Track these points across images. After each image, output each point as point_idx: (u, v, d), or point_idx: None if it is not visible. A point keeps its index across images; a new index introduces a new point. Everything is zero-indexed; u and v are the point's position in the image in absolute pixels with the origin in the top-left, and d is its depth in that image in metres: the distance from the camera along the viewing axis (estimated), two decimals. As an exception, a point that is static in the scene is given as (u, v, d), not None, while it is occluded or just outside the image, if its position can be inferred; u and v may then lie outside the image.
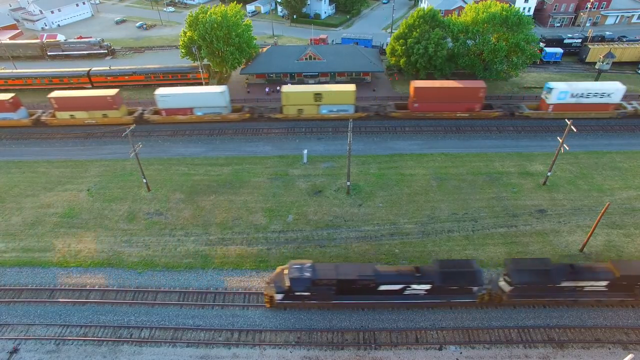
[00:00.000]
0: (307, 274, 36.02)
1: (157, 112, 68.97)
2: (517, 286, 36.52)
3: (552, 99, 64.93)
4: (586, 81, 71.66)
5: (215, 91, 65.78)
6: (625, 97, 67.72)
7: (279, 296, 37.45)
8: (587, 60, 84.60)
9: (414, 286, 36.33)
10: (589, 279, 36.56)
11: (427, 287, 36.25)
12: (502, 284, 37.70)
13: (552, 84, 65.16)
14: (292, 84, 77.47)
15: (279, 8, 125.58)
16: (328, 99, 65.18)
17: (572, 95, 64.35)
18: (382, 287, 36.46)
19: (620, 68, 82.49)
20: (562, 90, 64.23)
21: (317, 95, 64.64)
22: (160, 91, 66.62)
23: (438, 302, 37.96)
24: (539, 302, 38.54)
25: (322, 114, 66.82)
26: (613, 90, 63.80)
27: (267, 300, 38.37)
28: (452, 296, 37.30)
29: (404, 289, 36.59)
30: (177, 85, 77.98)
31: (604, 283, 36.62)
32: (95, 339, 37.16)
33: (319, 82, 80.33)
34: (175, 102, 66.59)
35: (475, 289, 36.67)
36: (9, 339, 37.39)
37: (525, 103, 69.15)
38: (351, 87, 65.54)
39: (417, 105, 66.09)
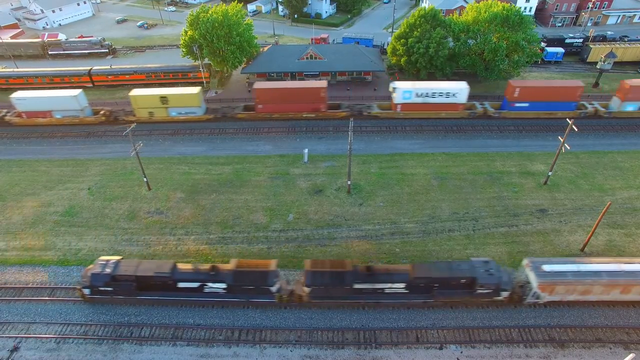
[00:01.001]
0: (108, 270, 37.70)
1: (19, 115, 69.62)
2: (312, 288, 37.05)
3: (398, 98, 64.99)
4: (433, 82, 70.20)
5: (69, 95, 67.12)
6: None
7: (86, 291, 38.67)
8: (588, 60, 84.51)
9: (210, 284, 37.45)
10: (384, 281, 36.99)
11: (223, 285, 37.27)
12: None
13: (396, 84, 65.20)
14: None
15: (280, 7, 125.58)
16: (174, 102, 66.74)
17: (417, 95, 64.43)
18: (181, 285, 37.62)
19: (621, 68, 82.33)
20: (405, 89, 64.35)
21: (163, 99, 66.32)
22: (17, 94, 67.79)
23: (237, 301, 38.80)
24: (339, 304, 38.72)
25: (172, 116, 68.38)
26: (457, 90, 63.94)
27: (80, 295, 39.29)
28: (250, 295, 38.25)
29: (202, 287, 37.66)
30: (178, 85, 78.17)
31: (402, 285, 36.91)
32: (95, 337, 37.16)
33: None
34: (33, 105, 67.89)
35: (273, 289, 37.22)
36: (10, 337, 37.41)
37: (377, 102, 69.12)
38: (195, 89, 67.14)
39: (261, 107, 66.91)
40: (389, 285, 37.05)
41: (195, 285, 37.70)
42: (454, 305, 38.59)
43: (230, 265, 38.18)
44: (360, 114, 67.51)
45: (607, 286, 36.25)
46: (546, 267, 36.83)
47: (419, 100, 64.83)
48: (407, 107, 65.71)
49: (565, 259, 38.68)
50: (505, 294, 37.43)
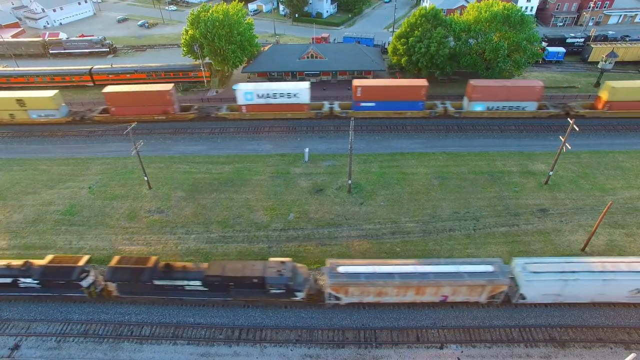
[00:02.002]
0: None
1: None
2: (117, 283, 37.72)
3: (240, 100, 65.43)
4: (277, 82, 71.06)
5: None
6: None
7: None
8: (589, 59, 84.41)
9: (23, 280, 38.21)
10: (181, 279, 37.43)
11: (36, 281, 38.01)
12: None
13: (238, 85, 65.62)
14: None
15: (281, 7, 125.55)
16: (31, 105, 67.19)
17: (259, 96, 64.82)
18: None
19: (623, 67, 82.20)
20: (247, 91, 64.83)
21: (20, 101, 66.76)
22: None
23: (50, 295, 39.34)
24: (145, 299, 39.37)
25: (32, 119, 68.62)
26: (298, 90, 64.27)
27: None
28: (62, 290, 38.77)
29: (16, 282, 38.50)
30: (179, 85, 78.41)
31: (199, 283, 37.19)
32: (96, 336, 37.18)
33: (321, 81, 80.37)
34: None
35: (83, 283, 38.00)
36: (10, 335, 37.45)
37: (227, 105, 69.38)
38: (52, 93, 67.10)
39: (114, 110, 67.55)
40: (186, 282, 37.52)
41: (8, 280, 38.36)
42: (250, 304, 38.94)
43: (43, 261, 38.92)
44: (208, 115, 68.84)
45: (400, 288, 36.20)
46: (341, 269, 36.73)
47: (262, 101, 65.38)
48: (251, 108, 66.39)
49: (366, 261, 38.45)
50: (301, 295, 37.51)
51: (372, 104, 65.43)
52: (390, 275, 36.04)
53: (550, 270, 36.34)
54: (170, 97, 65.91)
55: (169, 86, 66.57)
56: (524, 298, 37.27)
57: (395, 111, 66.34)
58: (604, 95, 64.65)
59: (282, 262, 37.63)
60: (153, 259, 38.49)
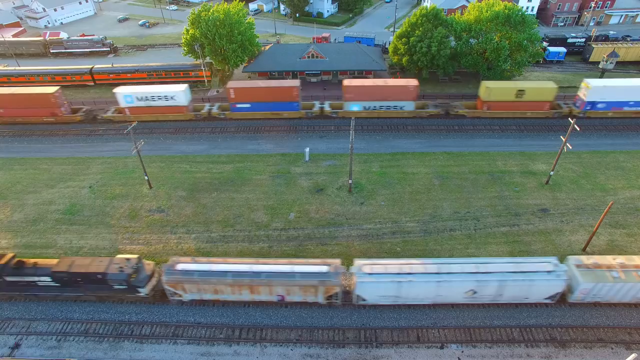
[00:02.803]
0: None
1: None
2: None
3: (122, 102, 66.03)
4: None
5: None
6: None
7: None
8: (590, 59, 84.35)
9: None
10: (32, 275, 37.92)
11: None
12: None
13: (118, 88, 65.98)
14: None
15: (282, 6, 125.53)
16: None
17: (138, 99, 65.27)
18: None
19: (624, 67, 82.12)
20: (126, 94, 65.40)
21: None
22: None
23: None
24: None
25: None
26: (174, 93, 65.00)
27: None
28: None
29: None
30: (179, 84, 78.32)
31: (49, 279, 37.49)
32: (96, 335, 37.18)
33: (322, 80, 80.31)
34: None
35: None
36: (11, 334, 37.47)
37: (115, 107, 69.20)
38: None
39: (2, 111, 68.11)
40: (37, 278, 37.83)
41: None
42: (101, 299, 39.38)
43: None
44: (95, 118, 69.58)
45: (234, 286, 36.67)
46: (179, 266, 37.24)
47: (142, 103, 65.94)
48: (134, 111, 66.78)
49: (206, 259, 38.74)
50: (144, 291, 37.87)
51: (248, 105, 66.50)
52: (224, 273, 36.50)
53: (385, 271, 36.32)
54: (56, 99, 66.11)
55: (53, 89, 66.68)
56: (363, 299, 37.46)
57: (272, 112, 67.34)
58: (481, 95, 65.17)
59: (127, 259, 37.98)
60: (8, 255, 38.83)
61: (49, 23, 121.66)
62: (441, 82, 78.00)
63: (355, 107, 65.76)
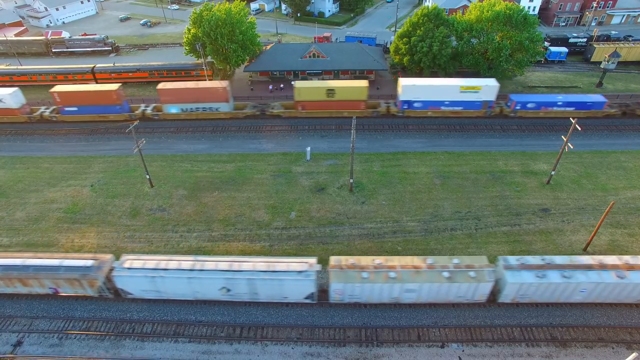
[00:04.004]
0: None
1: None
2: None
3: None
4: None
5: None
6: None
7: None
8: (592, 59, 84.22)
9: None
10: None
11: None
12: None
13: None
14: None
15: (283, 6, 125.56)
16: None
17: None
18: None
19: (625, 67, 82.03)
20: None
21: None
22: None
23: None
24: None
25: None
26: (2, 96, 66.21)
27: None
28: None
29: None
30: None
31: None
32: (97, 333, 37.31)
33: (323, 80, 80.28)
34: None
35: None
36: (13, 332, 37.60)
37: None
38: None
39: (76, 109, 68.80)
40: None
41: None
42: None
43: None
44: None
45: (4, 279, 38.39)
46: None
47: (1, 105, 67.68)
48: (3, 112, 68.24)
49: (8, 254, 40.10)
50: None
51: (75, 109, 67.73)
52: None
53: (142, 267, 37.53)
54: (118, 96, 66.51)
55: (116, 85, 67.41)
56: (130, 293, 38.73)
57: (98, 114, 68.37)
58: (294, 95, 66.07)
59: None
60: None
61: (50, 22, 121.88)
62: None
63: (173, 109, 67.74)
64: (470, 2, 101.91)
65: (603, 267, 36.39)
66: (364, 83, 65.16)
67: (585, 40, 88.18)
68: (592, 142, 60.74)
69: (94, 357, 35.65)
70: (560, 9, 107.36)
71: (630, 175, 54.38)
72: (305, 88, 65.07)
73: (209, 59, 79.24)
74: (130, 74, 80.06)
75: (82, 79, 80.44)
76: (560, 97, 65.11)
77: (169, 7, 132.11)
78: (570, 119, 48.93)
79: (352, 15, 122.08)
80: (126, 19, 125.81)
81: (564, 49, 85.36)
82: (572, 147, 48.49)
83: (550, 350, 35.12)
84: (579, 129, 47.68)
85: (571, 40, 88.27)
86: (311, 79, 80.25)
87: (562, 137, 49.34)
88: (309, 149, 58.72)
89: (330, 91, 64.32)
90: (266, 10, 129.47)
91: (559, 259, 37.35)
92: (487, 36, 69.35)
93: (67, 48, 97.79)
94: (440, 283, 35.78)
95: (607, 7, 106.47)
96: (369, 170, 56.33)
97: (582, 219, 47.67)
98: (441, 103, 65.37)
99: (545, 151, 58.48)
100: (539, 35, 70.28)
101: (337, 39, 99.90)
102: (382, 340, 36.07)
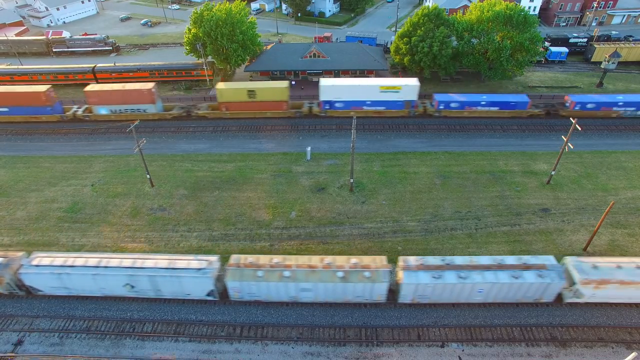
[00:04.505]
0: None
1: None
2: None
3: None
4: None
5: None
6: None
7: None
8: (592, 59, 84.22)
9: None
10: None
11: None
12: None
13: None
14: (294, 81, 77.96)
15: (284, 6, 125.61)
16: None
17: None
18: None
19: (626, 68, 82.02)
20: None
21: None
22: None
23: None
24: None
25: None
26: None
27: None
28: None
29: None
30: (181, 83, 78.67)
31: None
32: (98, 332, 37.38)
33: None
34: None
35: None
36: (14, 331, 37.67)
37: None
38: None
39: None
40: None
41: None
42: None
43: None
44: None
45: None
46: None
47: None
48: None
49: None
50: None
51: (6, 109, 68.65)
52: None
53: (49, 264, 38.19)
54: (152, 95, 66.58)
55: (151, 84, 67.58)
56: (39, 290, 39.42)
57: (30, 115, 69.01)
58: (217, 96, 66.55)
59: None
60: None
61: (51, 22, 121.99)
62: (442, 81, 78.04)
63: (103, 110, 68.48)
64: (471, 2, 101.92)
65: (500, 267, 36.69)
66: (284, 84, 66.03)
67: (585, 40, 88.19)
68: (592, 142, 60.78)
69: (95, 356, 35.69)
70: (560, 9, 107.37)
71: (630, 175, 54.41)
72: (227, 89, 65.96)
73: (210, 58, 79.30)
74: (131, 74, 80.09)
75: (83, 78, 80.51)
76: (484, 97, 65.51)
77: (169, 6, 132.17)
78: (571, 119, 48.96)
79: (352, 15, 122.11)
80: (127, 18, 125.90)
81: (565, 49, 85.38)
82: (572, 147, 48.53)
83: (550, 350, 35.16)
84: (579, 129, 47.69)
85: (571, 40, 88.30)
86: (312, 79, 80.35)
87: (562, 137, 49.35)
88: (309, 148, 58.78)
89: (251, 92, 65.07)
90: (267, 10, 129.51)
91: (459, 260, 37.59)
92: (487, 36, 69.37)
93: (68, 48, 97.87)
94: (335, 283, 36.24)
95: (608, 7, 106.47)
96: (369, 170, 56.38)
97: (582, 219, 47.70)
98: (363, 103, 65.74)
99: (546, 151, 58.51)
100: (539, 36, 70.28)
101: (337, 39, 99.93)
102: (382, 340, 36.08)
